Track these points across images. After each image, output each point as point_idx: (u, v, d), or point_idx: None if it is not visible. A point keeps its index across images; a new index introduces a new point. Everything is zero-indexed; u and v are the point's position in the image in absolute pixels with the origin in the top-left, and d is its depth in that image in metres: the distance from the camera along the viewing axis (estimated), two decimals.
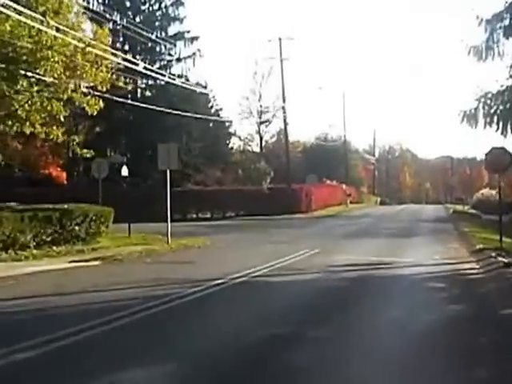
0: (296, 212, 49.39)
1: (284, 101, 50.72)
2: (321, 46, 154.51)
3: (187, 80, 49.68)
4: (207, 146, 56.73)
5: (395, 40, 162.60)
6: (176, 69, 49.88)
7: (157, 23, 48.95)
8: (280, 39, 49.65)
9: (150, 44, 48.58)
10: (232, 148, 75.70)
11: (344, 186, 68.10)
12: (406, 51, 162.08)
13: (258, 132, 78.64)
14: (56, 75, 22.28)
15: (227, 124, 77.31)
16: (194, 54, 49.66)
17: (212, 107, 73.20)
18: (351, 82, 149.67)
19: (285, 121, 52.50)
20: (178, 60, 49.65)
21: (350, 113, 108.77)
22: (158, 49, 49.19)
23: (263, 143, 79.67)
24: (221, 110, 74.98)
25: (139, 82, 49.20)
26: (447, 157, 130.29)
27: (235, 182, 58.41)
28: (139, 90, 48.84)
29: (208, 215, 48.48)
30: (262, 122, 57.76)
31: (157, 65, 47.66)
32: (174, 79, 48.51)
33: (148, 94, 49.60)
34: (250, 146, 79.19)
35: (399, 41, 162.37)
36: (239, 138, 79.77)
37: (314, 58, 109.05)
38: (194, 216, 48.15)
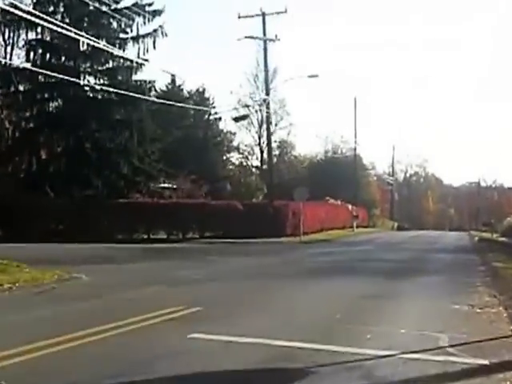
0: (279, 235, 37.42)
1: (268, 93, 38.75)
2: (331, 46, 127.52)
3: (141, 64, 38.16)
4: (177, 150, 45.13)
5: (417, 43, 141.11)
6: (133, 51, 38.34)
7: None
8: (263, 14, 37.65)
9: (99, 18, 37.40)
10: (225, 160, 64.04)
11: (350, 207, 55.67)
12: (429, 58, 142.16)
13: (259, 144, 66.90)
14: None
15: (226, 134, 66.15)
16: (155, 31, 38.03)
17: (210, 115, 62.05)
18: (367, 92, 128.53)
19: (268, 118, 40.40)
20: (135, 39, 38.05)
21: (366, 127, 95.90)
22: (106, 23, 37.74)
23: (264, 156, 67.85)
24: (220, 119, 63.80)
25: (82, 65, 37.86)
26: (474, 183, 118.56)
27: (221, 198, 46.12)
28: (82, 76, 37.26)
29: (163, 235, 36.71)
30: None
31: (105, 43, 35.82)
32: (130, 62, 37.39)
33: (92, 80, 37.99)
34: (248, 159, 67.46)
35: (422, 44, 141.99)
36: (238, 150, 68.29)
37: (324, 61, 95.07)
38: (145, 236, 36.43)
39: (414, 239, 43.89)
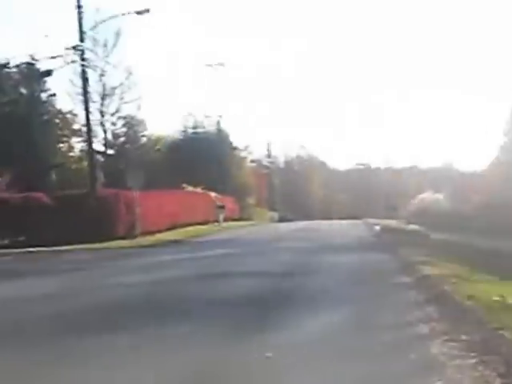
0: (108, 237, 28.57)
1: (82, 39, 29.06)
2: None
3: None
4: None
5: None
6: None
7: None
8: None
9: None
10: (59, 145, 53.95)
11: (214, 195, 47.01)
12: None
13: (101, 123, 56.83)
14: None
15: (66, 115, 55.92)
16: None
17: (41, 91, 51.69)
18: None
19: (83, 73, 30.53)
20: None
21: (236, 105, 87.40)
22: None
23: (108, 137, 58.08)
24: (54, 96, 53.46)
25: None
26: (363, 165, 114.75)
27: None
28: None
29: None
30: None
31: None
32: None
33: None
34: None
35: None
36: (77, 132, 58.15)
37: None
38: None
39: (297, 233, 35.77)
